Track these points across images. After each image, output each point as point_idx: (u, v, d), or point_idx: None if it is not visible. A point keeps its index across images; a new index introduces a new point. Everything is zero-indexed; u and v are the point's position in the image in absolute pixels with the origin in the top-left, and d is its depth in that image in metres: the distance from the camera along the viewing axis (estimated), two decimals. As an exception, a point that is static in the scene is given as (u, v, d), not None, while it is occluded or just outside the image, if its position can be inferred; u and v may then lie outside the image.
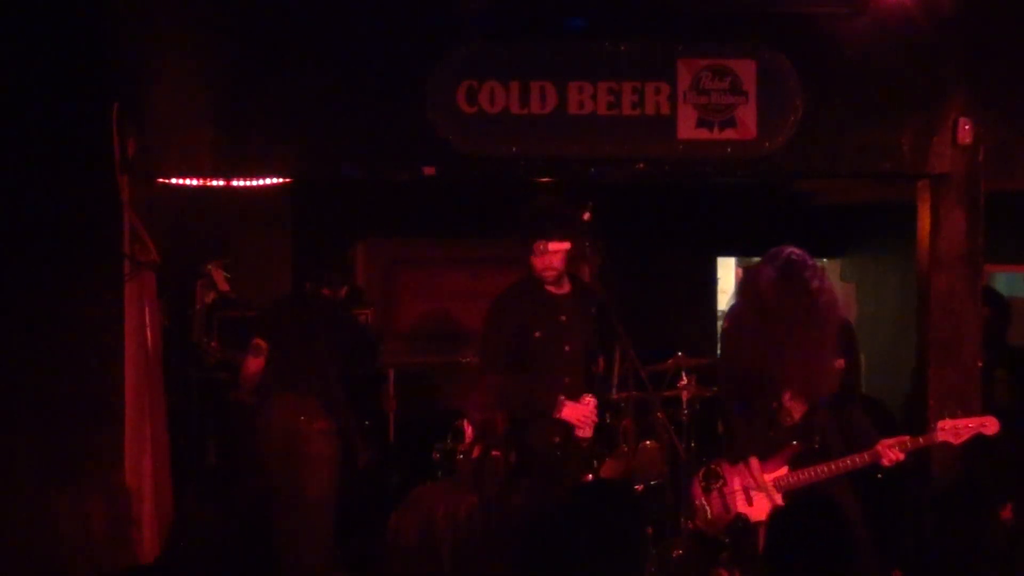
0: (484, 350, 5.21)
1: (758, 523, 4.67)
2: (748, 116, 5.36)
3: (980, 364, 5.43)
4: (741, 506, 4.73)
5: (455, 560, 4.67)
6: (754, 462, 4.71)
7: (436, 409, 6.94)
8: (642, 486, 6.15)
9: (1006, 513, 5.16)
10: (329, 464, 5.61)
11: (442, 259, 7.84)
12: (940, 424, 4.67)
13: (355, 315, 6.47)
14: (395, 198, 7.17)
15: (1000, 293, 6.39)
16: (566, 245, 5.09)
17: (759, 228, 8.27)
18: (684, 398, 6.32)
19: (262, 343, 5.71)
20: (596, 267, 5.28)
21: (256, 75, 5.25)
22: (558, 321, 5.13)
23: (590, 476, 5.19)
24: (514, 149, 5.33)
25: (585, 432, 5.05)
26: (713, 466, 4.83)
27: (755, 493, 4.74)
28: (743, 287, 4.93)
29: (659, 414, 5.27)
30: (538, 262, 5.10)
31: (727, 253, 9.54)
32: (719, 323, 9.51)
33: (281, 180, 5.95)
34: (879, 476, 4.97)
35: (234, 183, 6.01)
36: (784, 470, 4.71)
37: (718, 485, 4.78)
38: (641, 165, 5.44)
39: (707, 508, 4.82)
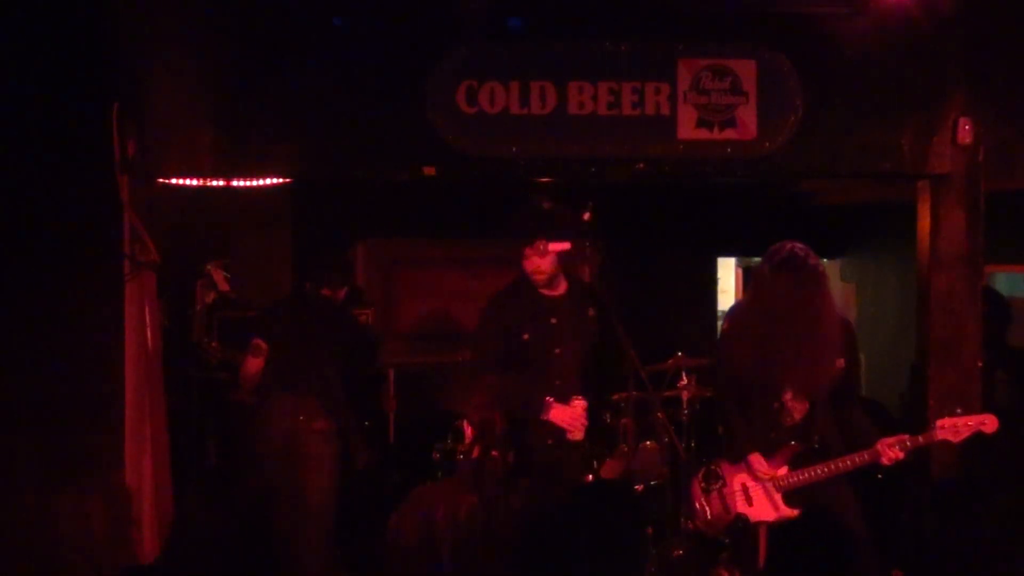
0: (475, 351, 5.23)
1: (758, 523, 4.67)
2: (748, 116, 5.36)
3: (980, 364, 5.43)
4: (741, 506, 4.73)
5: (455, 560, 4.67)
6: (755, 458, 4.71)
7: (436, 409, 6.93)
8: (642, 486, 6.15)
9: None
10: (329, 464, 5.61)
11: (442, 259, 7.84)
12: (939, 423, 4.67)
13: (355, 315, 6.46)
14: (395, 198, 7.17)
15: (1000, 293, 6.39)
16: (554, 248, 5.08)
17: (759, 228, 8.26)
18: (684, 398, 6.32)
19: (262, 343, 5.71)
20: (596, 267, 5.28)
21: (256, 75, 5.25)
22: (548, 323, 5.10)
23: (590, 476, 5.19)
24: (514, 149, 5.33)
25: (574, 435, 5.00)
26: (712, 467, 4.83)
27: (755, 493, 4.74)
28: (749, 284, 4.93)
29: (659, 414, 5.26)
30: (527, 265, 5.08)
31: (727, 253, 9.55)
32: (719, 323, 9.53)
33: (281, 180, 5.95)
34: (879, 476, 4.97)
35: (234, 183, 6.01)
36: (784, 470, 4.71)
37: (717, 486, 4.78)
38: (641, 165, 5.44)
39: (707, 509, 4.82)
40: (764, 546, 4.65)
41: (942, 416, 4.82)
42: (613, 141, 5.34)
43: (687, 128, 5.35)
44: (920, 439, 4.66)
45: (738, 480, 4.79)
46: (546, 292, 5.15)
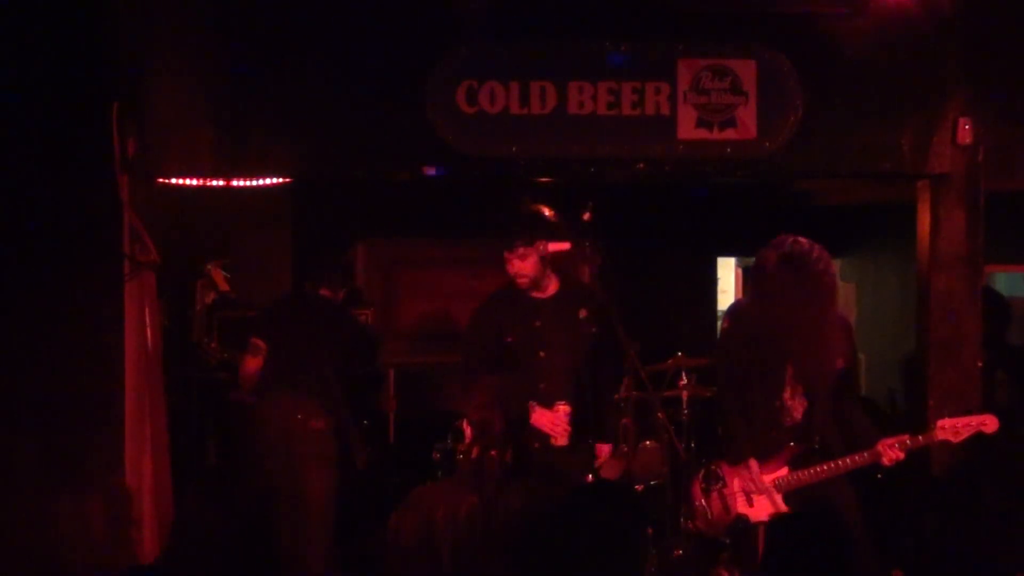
0: (463, 353, 5.22)
1: (758, 524, 4.67)
2: (748, 116, 5.36)
3: (980, 364, 5.43)
4: (741, 507, 4.72)
5: (455, 560, 4.66)
6: (753, 464, 4.71)
7: (436, 409, 6.94)
8: (642, 486, 6.15)
9: None
10: (327, 463, 5.61)
11: (442, 259, 7.84)
12: (939, 423, 4.66)
13: (354, 315, 6.46)
14: (395, 198, 7.17)
15: (1000, 293, 6.40)
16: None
17: (759, 228, 8.21)
18: (684, 398, 6.32)
19: (260, 343, 5.71)
20: (596, 267, 5.27)
21: (256, 75, 5.25)
22: (532, 327, 5.08)
23: (590, 476, 5.19)
24: (514, 149, 5.33)
25: (558, 440, 4.98)
26: (713, 467, 4.83)
27: (755, 495, 4.73)
28: (750, 277, 4.92)
29: (659, 414, 5.26)
30: (508, 269, 5.07)
31: (727, 253, 9.54)
32: (719, 323, 9.52)
33: (281, 180, 5.95)
34: (879, 476, 4.97)
35: (234, 183, 6.01)
36: (784, 470, 4.70)
37: (718, 486, 4.77)
38: (641, 165, 5.44)
39: (707, 509, 4.81)
40: (762, 544, 4.65)
41: (942, 416, 4.82)
42: (613, 141, 5.34)
43: (687, 128, 5.35)
44: (920, 439, 4.65)
45: (738, 481, 4.79)
46: (535, 295, 5.13)
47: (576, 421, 5.02)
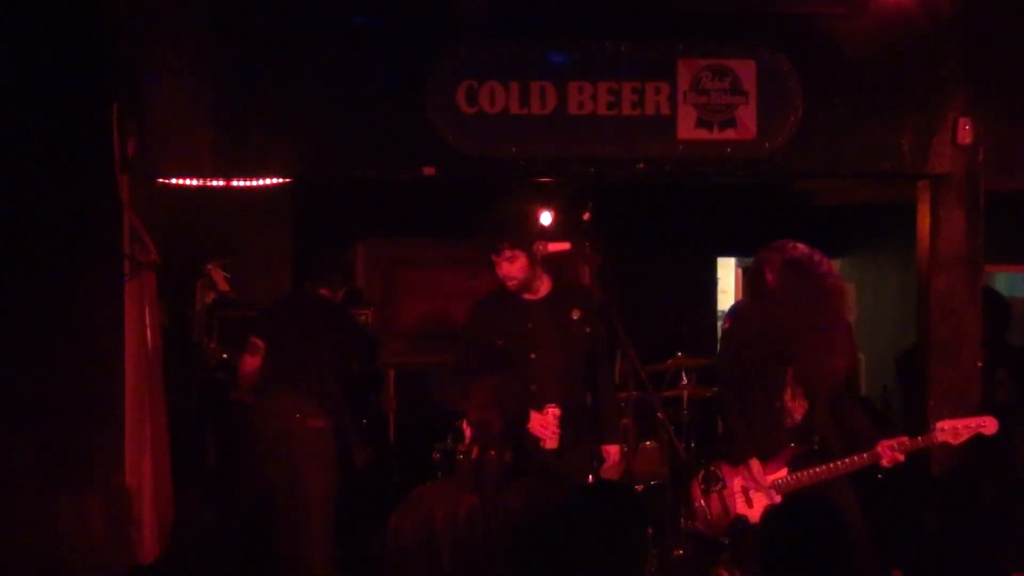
0: (456, 355, 5.21)
1: (758, 525, 4.67)
2: (748, 116, 5.35)
3: (980, 364, 5.43)
4: (741, 508, 4.73)
5: (455, 560, 4.66)
6: (754, 464, 4.71)
7: (436, 409, 6.94)
8: (642, 486, 6.15)
9: None
10: (326, 463, 5.61)
11: (442, 259, 7.84)
12: (939, 425, 4.67)
13: (353, 315, 6.46)
14: (395, 198, 7.17)
15: (1000, 293, 6.39)
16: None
17: (759, 228, 8.23)
18: (684, 398, 6.33)
19: (259, 342, 5.72)
20: (596, 267, 5.27)
21: (256, 75, 5.25)
22: (524, 328, 5.04)
23: (590, 476, 5.18)
24: (514, 149, 5.33)
25: (547, 443, 4.94)
26: (712, 468, 4.83)
27: (755, 495, 4.74)
28: (750, 276, 4.91)
29: (659, 414, 5.25)
30: (497, 272, 5.04)
31: (727, 253, 9.54)
32: (719, 323, 9.53)
33: (281, 180, 5.95)
34: (879, 476, 4.98)
35: (234, 183, 6.01)
36: (784, 471, 4.71)
37: (717, 487, 4.77)
38: (641, 165, 5.44)
39: (707, 510, 4.81)
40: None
41: (941, 416, 4.82)
42: (613, 141, 5.34)
43: (687, 128, 5.35)
44: (920, 441, 4.66)
45: (738, 482, 4.79)
46: (527, 296, 5.10)
47: (571, 423, 4.98)
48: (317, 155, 5.36)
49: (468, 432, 4.86)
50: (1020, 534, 4.98)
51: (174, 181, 5.54)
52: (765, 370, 4.72)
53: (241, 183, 6.04)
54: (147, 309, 5.20)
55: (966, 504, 4.95)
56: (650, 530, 5.36)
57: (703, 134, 5.35)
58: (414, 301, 7.73)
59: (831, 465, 4.66)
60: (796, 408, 4.77)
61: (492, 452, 4.63)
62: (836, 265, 9.14)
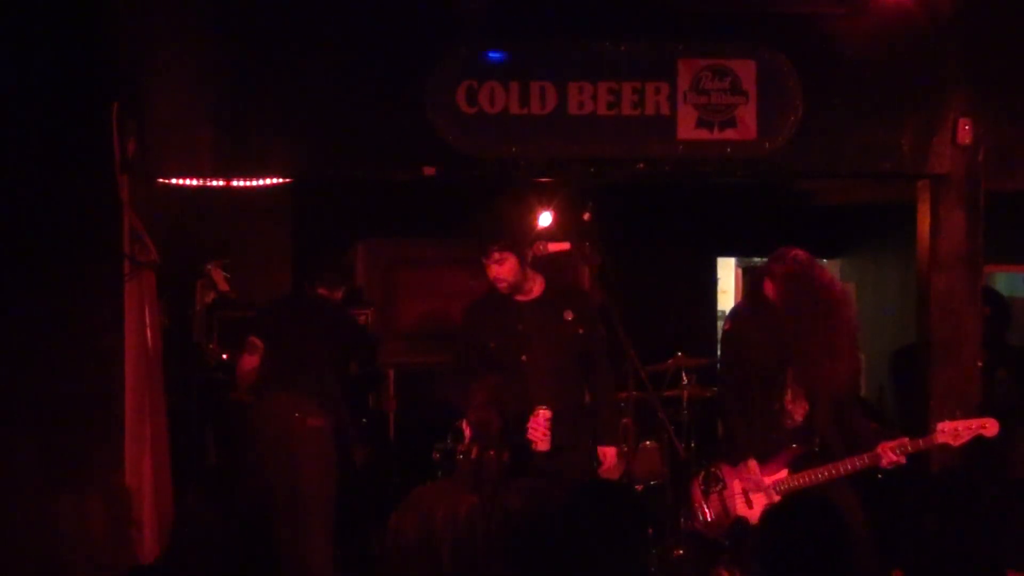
0: (453, 357, 5.20)
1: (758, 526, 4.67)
2: (748, 116, 5.36)
3: (980, 364, 5.43)
4: (741, 509, 4.72)
5: (455, 560, 4.66)
6: (752, 464, 4.71)
7: (436, 409, 6.94)
8: (642, 486, 6.15)
9: None
10: (325, 461, 5.61)
11: (442, 259, 7.83)
12: (940, 426, 4.67)
13: (352, 315, 6.45)
14: (395, 198, 7.17)
15: (1000, 293, 6.40)
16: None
17: (759, 228, 8.28)
18: (684, 398, 6.33)
19: (257, 341, 5.72)
20: (596, 267, 5.26)
21: (256, 75, 5.25)
22: (515, 330, 5.01)
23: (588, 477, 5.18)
24: (514, 149, 5.33)
25: (539, 446, 4.87)
26: (713, 469, 4.83)
27: (755, 496, 4.73)
28: (750, 287, 4.91)
29: (659, 414, 5.25)
30: (488, 274, 5.01)
31: (727, 253, 9.55)
32: (719, 323, 9.53)
33: (281, 180, 5.95)
34: (879, 476, 4.98)
35: (234, 183, 6.01)
36: (784, 472, 4.71)
37: (718, 488, 4.77)
38: (641, 165, 5.44)
39: (707, 511, 4.81)
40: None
41: (942, 417, 4.82)
42: (613, 141, 5.34)
43: (687, 128, 5.35)
44: (920, 443, 4.66)
45: (738, 483, 4.79)
46: (519, 298, 5.07)
47: (567, 424, 4.93)
48: (317, 155, 5.36)
49: (468, 432, 4.86)
50: (1019, 534, 4.98)
51: (174, 181, 5.54)
52: (766, 372, 4.72)
53: (241, 183, 6.04)
54: (147, 309, 5.19)
55: (966, 504, 4.95)
56: (650, 530, 5.37)
57: (703, 134, 5.35)
58: (414, 301, 7.72)
59: (832, 466, 4.65)
60: (796, 409, 4.77)
61: (491, 452, 4.63)
62: (836, 265, 9.17)
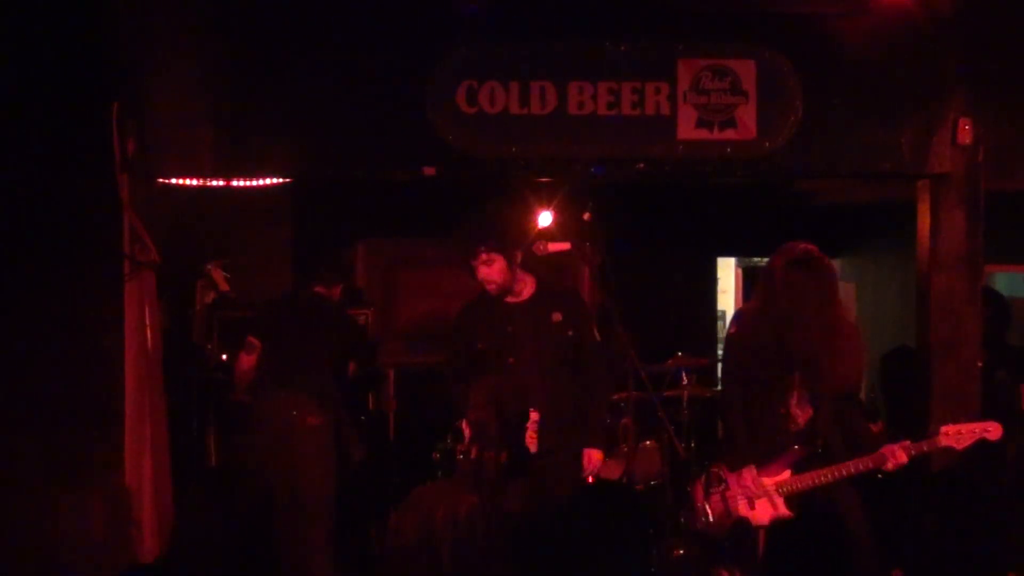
0: (447, 358, 5.19)
1: (759, 527, 4.67)
2: (748, 116, 5.36)
3: (980, 364, 5.43)
4: (743, 510, 4.71)
5: (455, 560, 4.67)
6: (750, 472, 4.70)
7: (436, 409, 6.94)
8: (642, 486, 6.15)
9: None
10: (324, 459, 5.61)
11: (442, 259, 7.82)
12: (943, 429, 4.66)
13: (350, 314, 6.45)
14: (395, 198, 7.17)
15: (1000, 293, 6.39)
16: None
17: (759, 228, 8.27)
18: (684, 398, 6.33)
19: (255, 341, 5.72)
20: (596, 267, 5.25)
21: (256, 75, 5.25)
22: (503, 332, 4.97)
23: (590, 477, 5.18)
24: (514, 149, 5.33)
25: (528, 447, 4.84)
26: (715, 470, 4.82)
27: (756, 499, 4.73)
28: (758, 283, 4.88)
29: (659, 414, 5.24)
30: (477, 275, 4.98)
31: (727, 253, 9.55)
32: (719, 323, 9.53)
33: (281, 180, 5.95)
34: (879, 476, 4.97)
35: (234, 183, 6.01)
36: (787, 474, 4.70)
37: (720, 489, 4.76)
38: (641, 165, 5.44)
39: (708, 512, 4.81)
40: (762, 546, 4.65)
41: (943, 418, 4.82)
42: (613, 141, 5.34)
43: (687, 128, 5.35)
44: (923, 445, 4.65)
45: (739, 485, 4.78)
46: (510, 300, 5.05)
47: (554, 427, 4.88)
48: (317, 155, 5.36)
49: (467, 432, 4.86)
50: (1018, 534, 4.99)
51: (174, 181, 5.54)
52: (771, 375, 4.71)
53: (241, 183, 6.04)
54: (147, 309, 5.20)
55: (966, 504, 4.95)
56: (650, 530, 5.38)
57: (703, 134, 5.36)
58: (414, 301, 7.73)
59: (834, 468, 4.65)
60: (800, 412, 4.76)
61: (489, 453, 4.63)
62: (836, 265, 9.17)
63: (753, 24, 5.37)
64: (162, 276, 5.33)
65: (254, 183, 6.05)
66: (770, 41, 5.36)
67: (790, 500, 4.67)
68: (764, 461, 4.72)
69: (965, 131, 5.36)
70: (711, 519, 4.80)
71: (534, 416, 4.84)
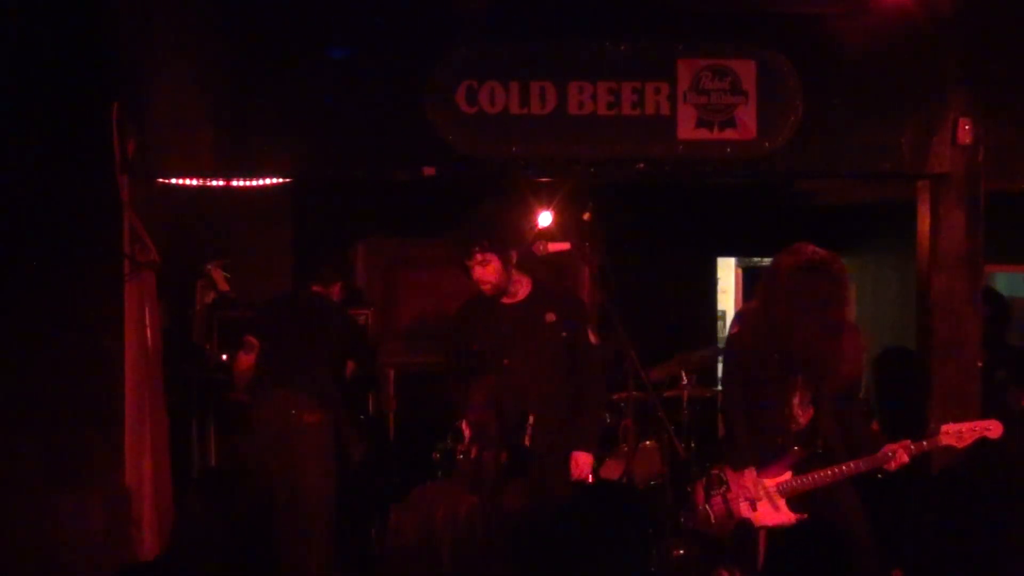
0: (445, 358, 5.18)
1: (761, 528, 4.67)
2: (748, 116, 5.36)
3: (980, 364, 5.43)
4: (745, 511, 4.71)
5: (455, 560, 4.67)
6: (750, 474, 4.70)
7: (436, 409, 6.93)
8: (642, 486, 6.15)
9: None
10: (324, 457, 5.62)
11: (442, 259, 7.82)
12: (944, 428, 4.66)
13: (348, 313, 6.44)
14: (395, 198, 7.17)
15: (1000, 293, 6.40)
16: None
17: (759, 228, 8.28)
18: (684, 398, 6.33)
19: (253, 340, 5.73)
20: (596, 268, 5.25)
21: (256, 75, 5.25)
22: (498, 333, 4.97)
23: (590, 477, 5.17)
24: (514, 149, 5.33)
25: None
26: (716, 471, 4.81)
27: (757, 500, 4.72)
28: (763, 282, 4.87)
29: (659, 414, 5.24)
30: (472, 276, 4.98)
31: (727, 253, 9.54)
32: (719, 323, 9.53)
33: (281, 180, 5.95)
34: (879, 476, 4.97)
35: (234, 183, 6.01)
36: (788, 475, 4.70)
37: (721, 491, 4.76)
38: (641, 165, 5.44)
39: (710, 513, 4.80)
40: (763, 546, 4.65)
41: (943, 418, 4.82)
42: (613, 141, 5.34)
43: (687, 128, 5.35)
44: (925, 444, 4.66)
45: (740, 487, 4.78)
46: (506, 300, 5.05)
47: (547, 429, 4.87)
48: (317, 155, 5.36)
49: (467, 432, 4.86)
50: (1019, 534, 4.98)
51: (174, 181, 5.54)
52: (774, 375, 4.71)
53: (241, 183, 6.04)
54: (147, 309, 5.20)
55: (966, 504, 4.95)
56: (650, 530, 5.37)
57: (703, 134, 5.35)
58: (414, 301, 7.72)
59: (836, 469, 4.64)
60: (802, 413, 4.76)
61: (488, 453, 4.63)
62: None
63: (753, 24, 5.37)
64: (162, 276, 5.33)
65: (254, 183, 6.05)
66: (770, 41, 5.36)
67: (792, 501, 4.67)
68: (765, 462, 4.72)
69: (965, 131, 5.36)
70: (712, 521, 4.80)
71: (530, 419, 4.83)
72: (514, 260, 5.02)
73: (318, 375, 5.68)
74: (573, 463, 4.98)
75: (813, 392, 4.72)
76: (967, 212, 5.43)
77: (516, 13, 5.30)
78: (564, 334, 5.01)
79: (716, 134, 5.35)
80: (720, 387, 5.53)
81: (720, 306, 9.60)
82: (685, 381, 6.42)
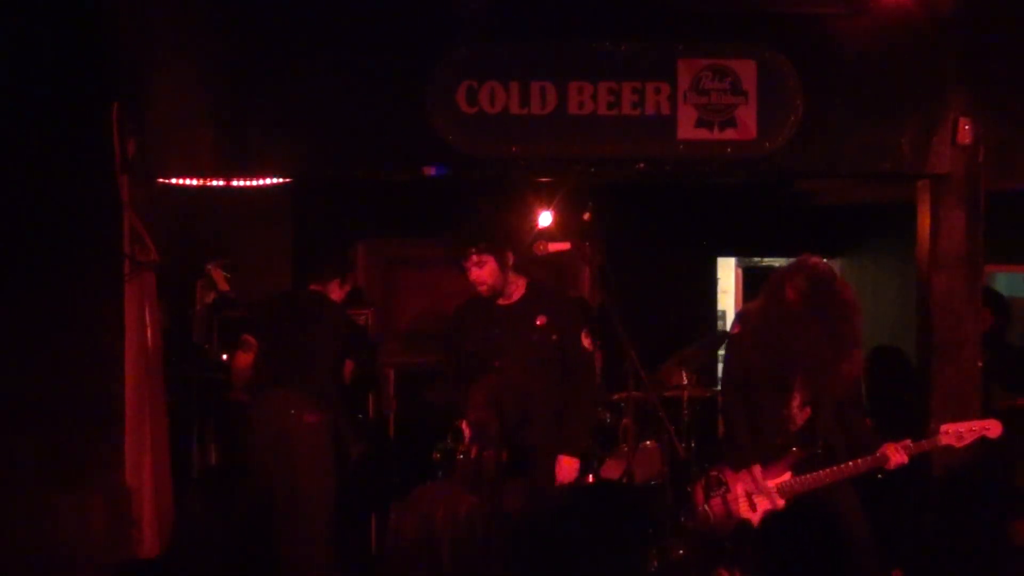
0: (443, 359, 5.19)
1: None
2: (748, 116, 5.36)
3: (980, 364, 5.43)
4: (744, 512, 4.72)
5: (455, 560, 4.66)
6: (756, 469, 4.70)
7: (436, 409, 6.93)
8: (642, 486, 6.14)
9: None
10: (323, 457, 5.62)
11: (442, 259, 7.82)
12: (944, 428, 4.66)
13: (347, 312, 6.45)
14: (395, 198, 7.17)
15: (1000, 293, 6.40)
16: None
17: (759, 228, 8.27)
18: (684, 398, 6.32)
19: (251, 339, 5.73)
20: (596, 268, 5.25)
21: (256, 75, 5.26)
22: (491, 334, 5.00)
23: (590, 476, 5.17)
24: (514, 149, 5.33)
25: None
26: (715, 472, 4.82)
27: (758, 499, 4.73)
28: (765, 292, 4.87)
29: (659, 414, 5.24)
30: (468, 277, 5.00)
31: (727, 253, 9.53)
32: (719, 323, 9.53)
33: (281, 180, 5.95)
34: (879, 476, 4.98)
35: (234, 183, 6.01)
36: (788, 475, 4.70)
37: (720, 492, 4.76)
38: (641, 165, 5.44)
39: (710, 513, 4.80)
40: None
41: (943, 418, 4.82)
42: (613, 141, 5.34)
43: (687, 128, 5.35)
44: (924, 444, 4.66)
45: (741, 486, 4.78)
46: (501, 302, 5.06)
47: (536, 431, 4.87)
48: (317, 155, 5.36)
49: (468, 432, 4.86)
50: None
51: (174, 181, 5.54)
52: (774, 376, 4.71)
53: (241, 183, 6.03)
54: (147, 309, 5.20)
55: (966, 504, 4.95)
56: (650, 530, 5.37)
57: (703, 134, 5.35)
58: (414, 301, 7.72)
59: (835, 469, 4.65)
60: (801, 414, 4.76)
61: (488, 453, 4.63)
62: (836, 265, 9.17)
63: (753, 24, 5.37)
64: (162, 276, 5.33)
65: (254, 183, 6.05)
66: (770, 41, 5.36)
67: (792, 501, 4.67)
68: (765, 461, 4.73)
69: (965, 131, 5.36)
70: (712, 521, 4.80)
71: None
72: (511, 262, 5.03)
73: (317, 375, 5.68)
74: (558, 467, 4.98)
75: (812, 393, 4.72)
76: (967, 212, 5.43)
77: (516, 13, 5.31)
78: (555, 337, 5.02)
79: (716, 134, 5.35)
80: (720, 387, 5.53)
81: (720, 306, 9.59)
82: (685, 381, 6.41)
